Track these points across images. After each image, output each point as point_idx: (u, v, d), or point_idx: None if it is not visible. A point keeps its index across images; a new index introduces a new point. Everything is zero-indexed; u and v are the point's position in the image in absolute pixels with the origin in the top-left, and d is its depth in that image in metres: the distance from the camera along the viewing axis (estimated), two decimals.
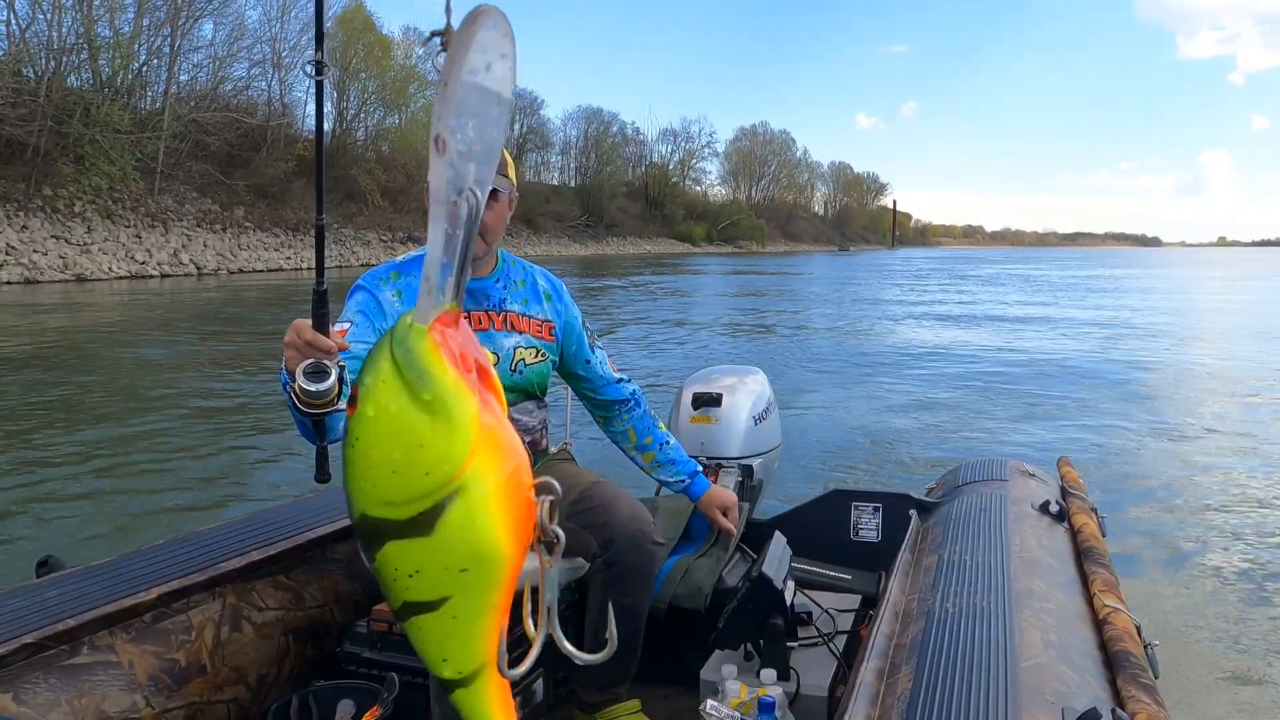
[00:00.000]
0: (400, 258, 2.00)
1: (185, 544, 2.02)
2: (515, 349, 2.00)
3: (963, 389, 9.10)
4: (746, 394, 2.64)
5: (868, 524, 2.54)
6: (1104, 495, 5.17)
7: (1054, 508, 2.16)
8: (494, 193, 1.89)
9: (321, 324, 1.49)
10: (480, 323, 1.97)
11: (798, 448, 6.01)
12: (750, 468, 2.56)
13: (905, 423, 7.44)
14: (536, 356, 2.03)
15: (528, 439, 2.04)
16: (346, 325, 1.85)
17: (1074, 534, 2.04)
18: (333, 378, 1.47)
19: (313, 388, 1.45)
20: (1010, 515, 2.08)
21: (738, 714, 1.76)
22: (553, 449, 2.16)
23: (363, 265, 35.95)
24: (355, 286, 1.93)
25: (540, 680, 2.01)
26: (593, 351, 2.14)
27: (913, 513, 2.28)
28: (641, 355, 11.31)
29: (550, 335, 2.07)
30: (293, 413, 1.56)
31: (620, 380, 2.19)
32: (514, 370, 1.99)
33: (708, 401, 2.58)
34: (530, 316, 2.04)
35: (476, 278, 1.98)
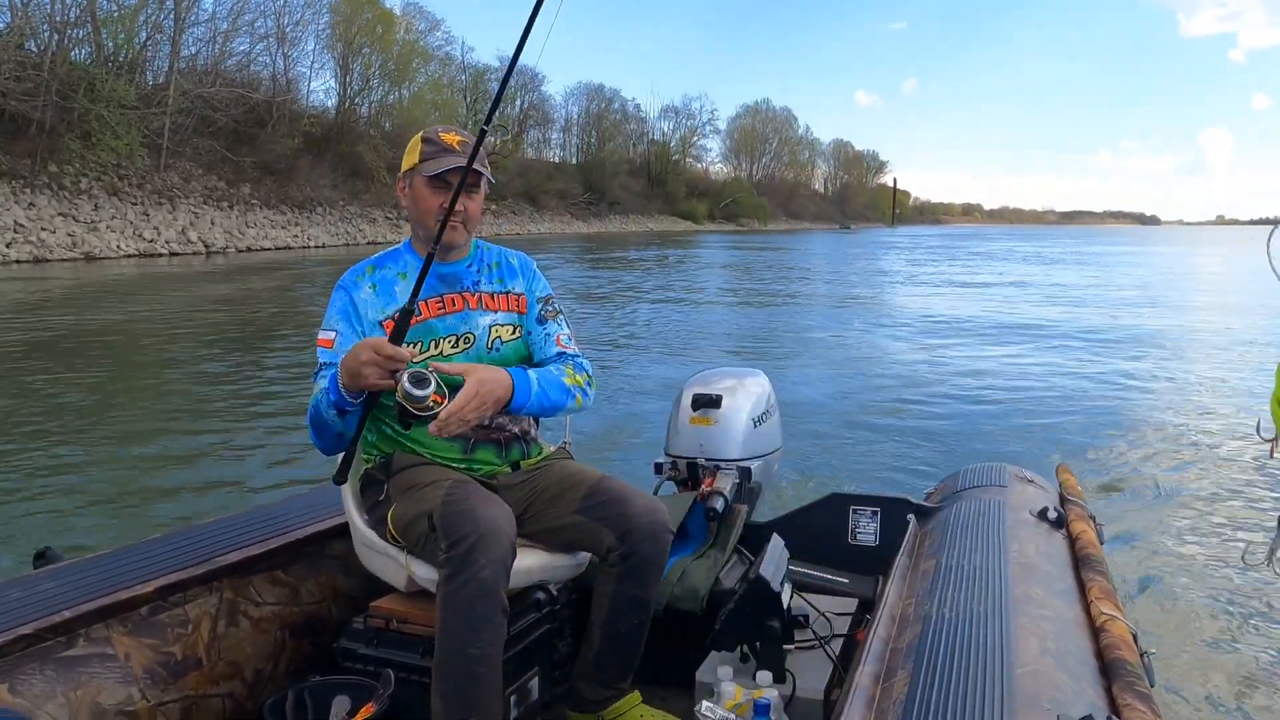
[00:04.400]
0: (377, 254, 2.06)
1: (183, 538, 2.02)
2: (492, 327, 2.03)
3: (965, 391, 9.10)
4: (746, 396, 2.63)
5: (866, 528, 2.54)
6: (1102, 502, 5.18)
7: (1052, 514, 2.16)
8: (476, 182, 1.95)
9: (399, 337, 1.76)
10: (455, 304, 2.00)
11: (797, 449, 6.01)
12: (749, 470, 2.56)
13: (906, 426, 7.43)
14: (513, 334, 2.06)
15: (516, 427, 2.04)
16: (332, 334, 1.94)
17: (1072, 541, 2.04)
18: (433, 384, 1.72)
19: (418, 393, 1.71)
20: (1008, 521, 2.08)
21: (733, 715, 1.76)
22: (551, 448, 2.16)
23: (369, 243, 36.11)
24: (336, 286, 2.00)
25: (536, 679, 2.01)
26: (541, 325, 2.09)
27: (911, 517, 2.28)
28: (652, 352, 11.31)
29: (524, 309, 2.10)
30: (334, 422, 1.82)
31: (561, 354, 2.08)
32: (491, 349, 2.02)
33: (707, 403, 2.58)
34: (507, 293, 2.08)
35: (450, 263, 2.02)
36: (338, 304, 1.97)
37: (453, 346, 1.97)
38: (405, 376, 1.71)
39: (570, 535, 1.95)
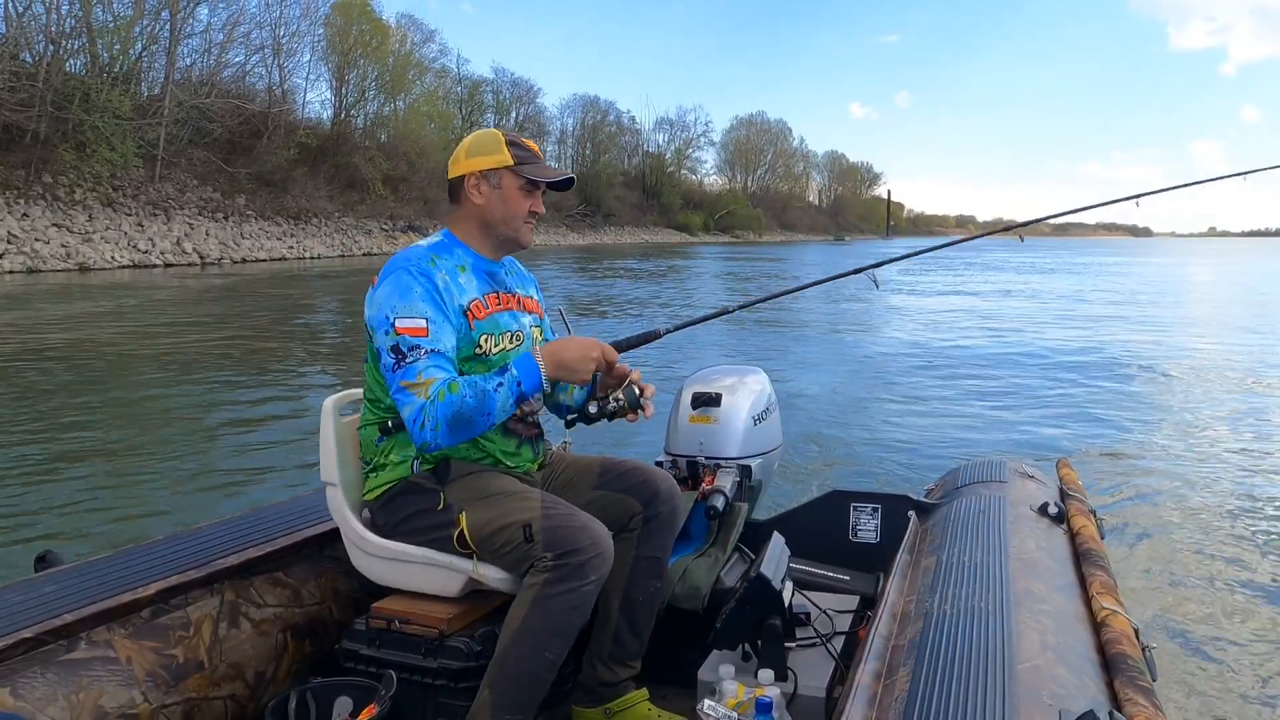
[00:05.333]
0: (425, 243, 1.98)
1: (184, 540, 2.02)
2: (532, 328, 2.08)
3: (964, 387, 9.11)
4: (746, 394, 2.63)
5: (866, 525, 2.54)
6: (1103, 494, 5.18)
7: (1053, 509, 2.16)
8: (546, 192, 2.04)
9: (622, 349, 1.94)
10: (505, 303, 2.02)
11: (797, 447, 6.01)
12: (749, 468, 2.56)
13: (906, 422, 7.44)
14: (543, 337, 2.13)
15: (531, 418, 2.07)
16: (423, 321, 1.80)
17: (1072, 536, 2.04)
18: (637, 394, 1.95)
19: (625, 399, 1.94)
20: (1009, 517, 2.08)
21: (735, 714, 1.76)
22: (551, 446, 2.17)
23: (364, 254, 36.10)
24: (403, 271, 1.85)
25: None
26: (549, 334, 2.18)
27: (911, 514, 2.28)
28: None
29: (542, 315, 2.17)
30: (504, 411, 1.81)
31: None
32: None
33: (707, 401, 2.58)
34: (531, 297, 2.14)
35: (494, 260, 2.05)
36: (419, 289, 1.83)
37: (510, 341, 1.98)
38: (631, 386, 1.94)
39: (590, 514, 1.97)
